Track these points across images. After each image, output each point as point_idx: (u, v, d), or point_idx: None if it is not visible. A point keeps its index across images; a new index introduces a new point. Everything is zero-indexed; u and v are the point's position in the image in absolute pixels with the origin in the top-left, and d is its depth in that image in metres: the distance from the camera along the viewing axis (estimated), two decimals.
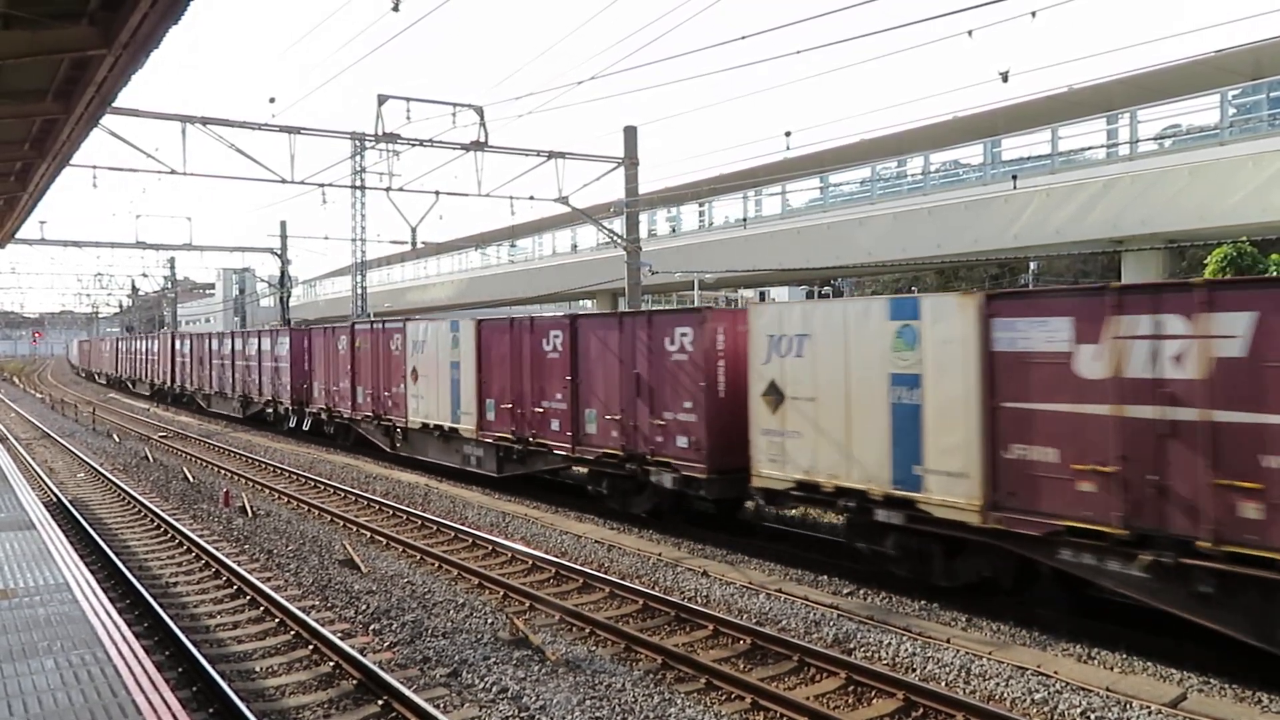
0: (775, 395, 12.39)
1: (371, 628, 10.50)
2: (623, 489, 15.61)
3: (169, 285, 69.25)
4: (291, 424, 29.45)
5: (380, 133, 19.97)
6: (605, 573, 12.59)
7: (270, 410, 31.41)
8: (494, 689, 8.56)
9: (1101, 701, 7.91)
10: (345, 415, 25.21)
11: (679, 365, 14.10)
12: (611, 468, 15.51)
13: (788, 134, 21.14)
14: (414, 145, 20.82)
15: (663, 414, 14.37)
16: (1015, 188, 24.29)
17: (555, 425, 16.64)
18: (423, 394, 20.98)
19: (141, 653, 7.58)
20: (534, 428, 17.17)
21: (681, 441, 14.02)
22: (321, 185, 23.24)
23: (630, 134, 23.88)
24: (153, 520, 16.83)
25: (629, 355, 15.04)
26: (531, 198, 24.33)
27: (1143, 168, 22.96)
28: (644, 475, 14.73)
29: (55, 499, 18.55)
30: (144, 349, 51.45)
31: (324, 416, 26.82)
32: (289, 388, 29.16)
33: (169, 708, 6.43)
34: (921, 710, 8.08)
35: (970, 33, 13.25)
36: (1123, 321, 8.90)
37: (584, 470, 17.00)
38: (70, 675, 7.07)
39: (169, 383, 45.11)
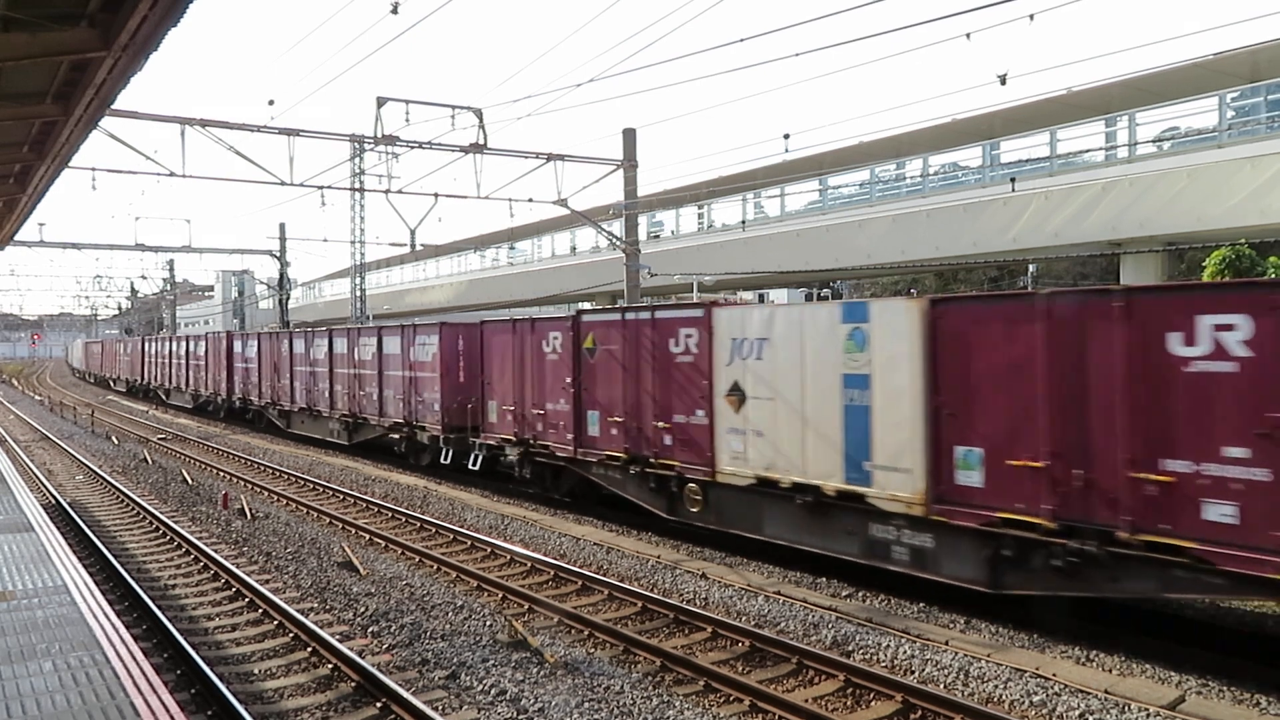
0: None
1: (370, 630, 10.50)
2: None
3: (168, 287, 69.33)
4: (443, 459, 21.03)
5: (379, 135, 19.98)
6: (604, 575, 12.59)
7: (401, 437, 23.01)
8: (492, 691, 8.56)
9: (1100, 704, 7.91)
10: (561, 454, 16.86)
11: None
12: None
13: (786, 136, 21.14)
14: (413, 147, 20.83)
15: None
16: (1014, 190, 24.32)
17: (1220, 513, 8.27)
18: (758, 427, 12.91)
19: (140, 655, 7.57)
20: (1132, 513, 8.87)
21: None
22: (321, 187, 23.25)
23: (629, 136, 23.89)
24: (151, 522, 16.83)
25: None
26: (530, 200, 24.41)
27: (1141, 170, 23.00)
28: None
29: (54, 501, 18.55)
30: (184, 351, 42.38)
31: (511, 454, 18.27)
32: (438, 408, 21.09)
33: (167, 710, 6.43)
34: (920, 712, 8.09)
35: (969, 35, 13.28)
36: None
37: None
38: (69, 677, 7.06)
39: (224, 394, 36.53)
